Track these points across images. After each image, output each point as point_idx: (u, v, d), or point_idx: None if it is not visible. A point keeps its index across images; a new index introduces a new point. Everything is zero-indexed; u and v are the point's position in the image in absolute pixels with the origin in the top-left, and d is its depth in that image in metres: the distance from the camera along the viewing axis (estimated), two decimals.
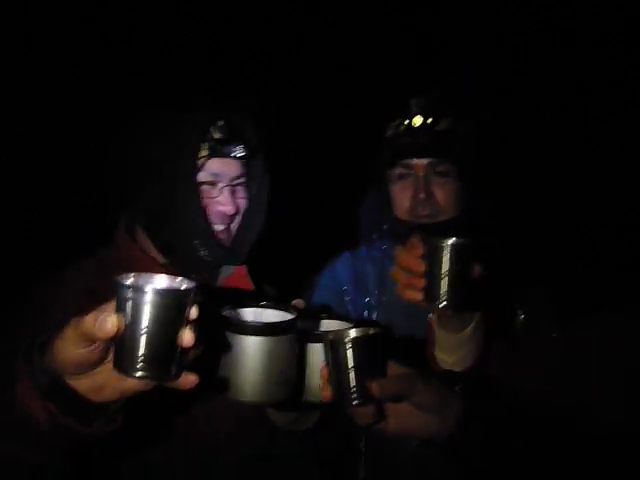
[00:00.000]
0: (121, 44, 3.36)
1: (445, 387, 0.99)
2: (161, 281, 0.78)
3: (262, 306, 1.02)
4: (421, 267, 1.04)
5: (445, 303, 1.02)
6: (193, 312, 0.76)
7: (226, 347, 0.90)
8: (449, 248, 1.00)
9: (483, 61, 3.52)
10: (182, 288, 0.76)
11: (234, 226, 1.34)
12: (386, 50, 3.65)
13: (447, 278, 1.01)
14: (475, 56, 3.54)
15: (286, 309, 1.00)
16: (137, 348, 0.73)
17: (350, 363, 0.92)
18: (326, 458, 1.48)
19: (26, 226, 3.12)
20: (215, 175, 1.28)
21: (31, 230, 3.11)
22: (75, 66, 3.28)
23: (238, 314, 0.98)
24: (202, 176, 1.26)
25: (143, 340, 0.73)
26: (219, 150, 1.28)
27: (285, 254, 2.82)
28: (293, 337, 0.95)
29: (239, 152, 1.31)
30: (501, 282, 1.26)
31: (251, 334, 0.90)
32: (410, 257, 1.05)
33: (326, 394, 0.96)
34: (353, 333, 0.95)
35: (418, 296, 1.05)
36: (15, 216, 3.12)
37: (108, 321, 0.72)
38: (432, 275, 1.02)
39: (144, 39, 3.41)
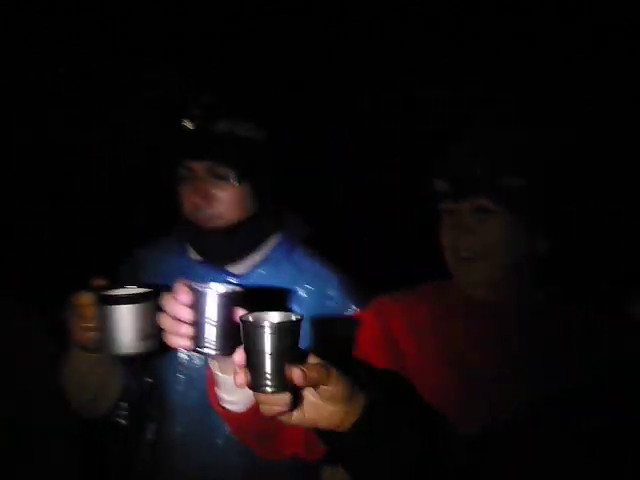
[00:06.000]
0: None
1: (351, 380, 0.98)
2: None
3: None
4: (188, 315, 1.03)
5: (215, 350, 1.02)
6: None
7: (104, 316, 1.18)
8: (214, 296, 1.01)
9: (488, 61, 3.53)
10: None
11: None
12: (386, 49, 3.66)
13: (215, 325, 1.01)
14: (481, 58, 3.55)
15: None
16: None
17: (268, 349, 0.91)
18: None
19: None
20: None
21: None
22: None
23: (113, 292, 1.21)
24: None
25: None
26: None
27: None
28: (148, 305, 1.15)
29: None
30: None
31: (116, 304, 1.15)
32: (176, 305, 1.04)
33: (241, 378, 0.94)
34: (274, 319, 0.94)
35: (186, 343, 1.05)
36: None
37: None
38: (199, 323, 1.02)
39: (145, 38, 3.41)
